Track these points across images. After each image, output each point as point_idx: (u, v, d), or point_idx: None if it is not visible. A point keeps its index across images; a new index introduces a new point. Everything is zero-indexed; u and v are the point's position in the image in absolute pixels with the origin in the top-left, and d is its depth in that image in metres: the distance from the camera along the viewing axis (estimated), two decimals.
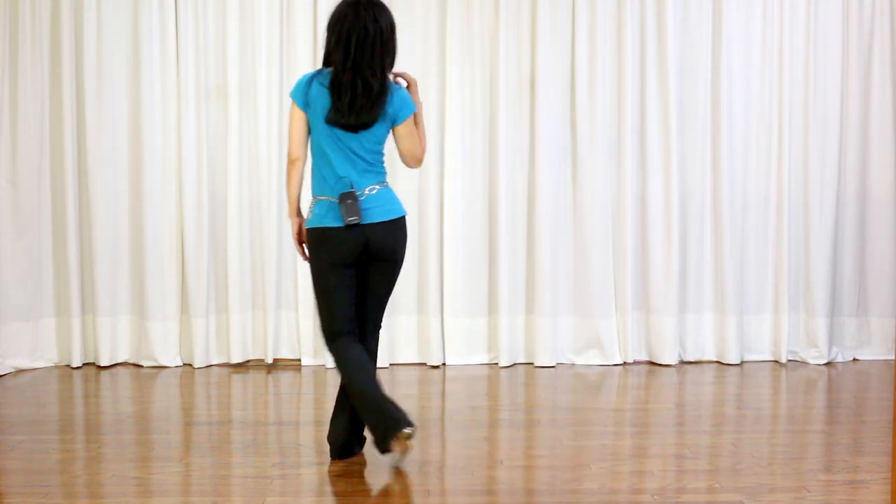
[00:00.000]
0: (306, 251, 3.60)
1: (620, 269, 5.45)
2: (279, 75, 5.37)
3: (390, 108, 3.52)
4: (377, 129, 3.52)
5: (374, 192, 3.53)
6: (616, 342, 5.47)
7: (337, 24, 3.54)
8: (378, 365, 5.40)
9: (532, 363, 5.45)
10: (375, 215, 3.50)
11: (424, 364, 5.47)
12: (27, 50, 5.30)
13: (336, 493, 3.30)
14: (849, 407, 4.55)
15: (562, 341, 5.48)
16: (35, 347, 5.39)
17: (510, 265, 5.41)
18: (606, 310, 5.45)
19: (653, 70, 5.40)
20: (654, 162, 5.41)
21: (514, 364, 5.47)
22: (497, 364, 5.44)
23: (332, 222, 3.49)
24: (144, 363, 5.43)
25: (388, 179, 3.64)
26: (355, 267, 3.57)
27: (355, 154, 3.51)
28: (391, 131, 3.58)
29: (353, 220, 3.44)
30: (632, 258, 5.44)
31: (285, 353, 5.53)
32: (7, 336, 5.29)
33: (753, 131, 5.46)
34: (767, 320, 5.52)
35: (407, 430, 3.34)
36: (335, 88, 3.50)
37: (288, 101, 5.35)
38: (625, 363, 5.47)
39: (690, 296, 5.49)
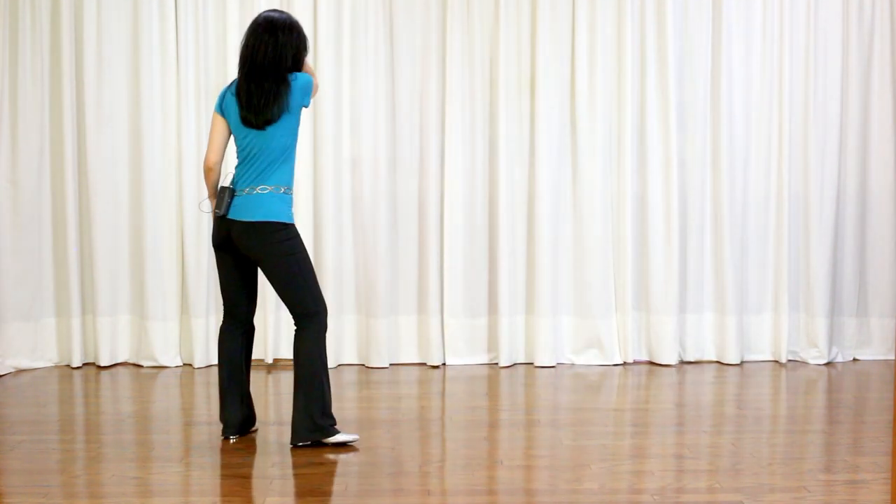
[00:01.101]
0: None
1: (620, 269, 5.45)
2: None
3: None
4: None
5: (256, 192, 3.79)
6: (616, 342, 5.47)
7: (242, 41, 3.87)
8: (378, 365, 5.45)
9: (532, 363, 5.45)
10: (239, 213, 3.78)
11: (424, 364, 5.47)
12: (27, 50, 5.30)
13: (336, 493, 3.30)
14: (849, 407, 4.55)
15: (562, 341, 5.48)
16: (35, 347, 5.39)
17: (510, 265, 5.41)
18: (606, 310, 5.45)
19: (653, 70, 5.40)
20: (654, 162, 5.41)
21: (514, 364, 5.47)
22: (497, 364, 5.44)
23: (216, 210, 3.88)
24: (144, 363, 5.43)
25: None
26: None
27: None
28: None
29: (218, 212, 3.80)
30: (632, 258, 5.44)
31: (285, 353, 5.52)
32: (7, 336, 5.29)
33: (753, 131, 5.46)
34: (767, 320, 5.52)
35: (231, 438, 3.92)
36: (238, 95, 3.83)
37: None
38: (625, 363, 5.47)
39: (690, 296, 5.49)
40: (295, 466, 3.60)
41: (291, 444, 3.80)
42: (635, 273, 5.47)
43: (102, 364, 5.38)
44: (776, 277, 5.49)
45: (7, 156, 5.31)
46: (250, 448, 3.85)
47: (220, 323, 3.99)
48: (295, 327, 3.85)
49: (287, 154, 3.82)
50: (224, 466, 3.61)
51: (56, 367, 5.42)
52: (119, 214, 5.39)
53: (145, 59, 5.32)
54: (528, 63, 5.43)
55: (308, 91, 3.82)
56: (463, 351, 5.49)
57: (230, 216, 3.78)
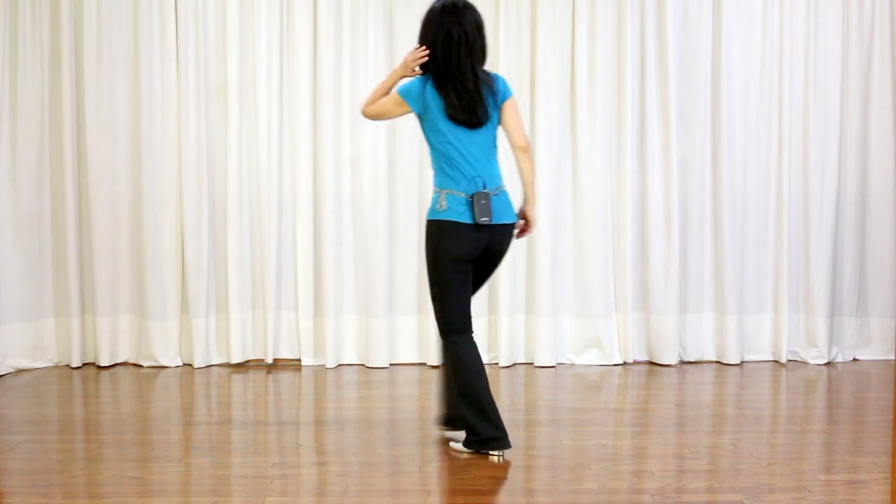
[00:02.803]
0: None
1: (620, 269, 5.45)
2: (279, 75, 5.37)
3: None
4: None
5: (497, 193, 3.69)
6: (616, 342, 5.47)
7: (430, 32, 3.69)
8: (378, 365, 5.45)
9: (532, 363, 5.45)
10: (499, 217, 3.67)
11: (424, 364, 5.47)
12: (27, 50, 5.30)
13: (336, 493, 3.30)
14: (849, 407, 4.55)
15: (562, 341, 5.48)
16: (35, 347, 5.39)
17: (510, 265, 5.40)
18: (606, 310, 5.45)
19: (653, 70, 5.40)
20: (654, 162, 5.41)
21: (514, 364, 5.47)
22: (497, 364, 5.44)
23: (465, 218, 3.62)
24: (144, 363, 5.43)
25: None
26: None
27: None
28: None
29: (484, 220, 3.60)
30: (632, 258, 5.44)
31: (285, 353, 5.53)
32: (7, 336, 5.29)
33: (753, 131, 5.46)
34: (767, 320, 5.52)
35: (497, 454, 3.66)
36: (442, 92, 3.66)
37: (287, 101, 5.40)
38: (625, 363, 5.47)
39: (690, 296, 5.49)
40: (295, 466, 3.60)
41: (499, 452, 3.67)
42: (635, 273, 5.47)
43: (102, 364, 5.38)
44: (776, 277, 5.49)
45: (7, 156, 5.31)
46: (250, 448, 3.85)
47: (447, 341, 3.71)
48: (469, 332, 3.72)
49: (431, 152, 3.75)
50: (224, 466, 3.61)
51: (56, 367, 5.42)
52: (119, 214, 5.40)
53: (145, 59, 5.32)
54: (528, 63, 5.43)
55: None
56: None
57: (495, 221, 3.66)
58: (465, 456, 3.70)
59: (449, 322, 3.70)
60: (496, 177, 3.71)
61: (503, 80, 3.80)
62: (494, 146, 3.73)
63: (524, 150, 3.72)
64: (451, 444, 3.80)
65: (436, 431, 4.05)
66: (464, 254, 3.63)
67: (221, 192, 5.41)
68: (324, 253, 5.40)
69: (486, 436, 3.64)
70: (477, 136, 3.66)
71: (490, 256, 3.72)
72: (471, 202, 3.60)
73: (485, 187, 3.63)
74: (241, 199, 5.40)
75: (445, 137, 3.64)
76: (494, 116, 3.70)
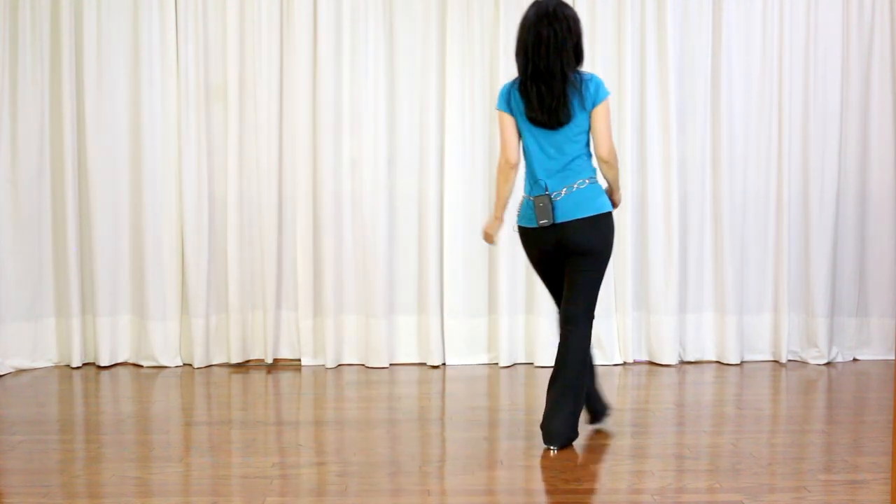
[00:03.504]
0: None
1: (620, 269, 5.45)
2: (279, 75, 5.37)
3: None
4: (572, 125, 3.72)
5: (573, 190, 3.72)
6: (616, 342, 5.47)
7: (520, 34, 3.75)
8: (378, 365, 5.44)
9: (532, 363, 5.45)
10: (567, 214, 3.71)
11: (424, 364, 5.47)
12: (27, 50, 5.30)
13: (336, 493, 3.30)
14: (849, 407, 4.55)
15: None
16: (35, 347, 5.39)
17: (510, 265, 5.40)
18: (606, 310, 5.44)
19: (653, 70, 5.40)
20: (654, 162, 5.41)
21: (514, 364, 5.47)
22: (497, 364, 5.44)
23: (530, 223, 3.78)
24: (144, 363, 5.43)
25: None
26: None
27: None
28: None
29: (544, 222, 3.70)
30: (632, 258, 5.44)
31: (285, 353, 5.53)
32: (7, 336, 5.29)
33: (753, 131, 5.46)
34: (767, 320, 5.52)
35: (551, 448, 3.75)
36: (524, 93, 3.73)
37: (287, 101, 5.40)
38: (625, 363, 5.47)
39: (690, 296, 5.49)
40: (295, 466, 3.60)
41: (549, 444, 3.76)
42: (635, 273, 5.47)
43: (102, 364, 5.38)
44: (776, 277, 5.49)
45: (7, 156, 5.31)
46: (250, 448, 3.85)
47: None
48: (566, 325, 3.77)
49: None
50: (224, 466, 3.61)
51: (56, 367, 5.42)
52: (119, 214, 5.40)
53: (145, 60, 5.32)
54: None
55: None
56: (463, 351, 5.49)
57: (558, 220, 3.76)
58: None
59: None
60: (576, 173, 3.72)
61: (597, 83, 3.73)
62: (577, 145, 3.74)
63: (604, 162, 3.75)
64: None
65: (421, 433, 4.05)
66: (535, 256, 3.85)
67: (221, 192, 5.41)
68: (324, 253, 5.40)
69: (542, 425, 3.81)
70: (556, 137, 3.71)
71: (572, 252, 3.73)
72: (533, 205, 3.72)
73: (547, 189, 3.70)
74: (241, 199, 5.40)
75: (526, 139, 3.76)
76: (579, 118, 3.70)
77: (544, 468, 3.58)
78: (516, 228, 3.88)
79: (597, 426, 4.09)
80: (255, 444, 3.89)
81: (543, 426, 3.76)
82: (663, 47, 5.37)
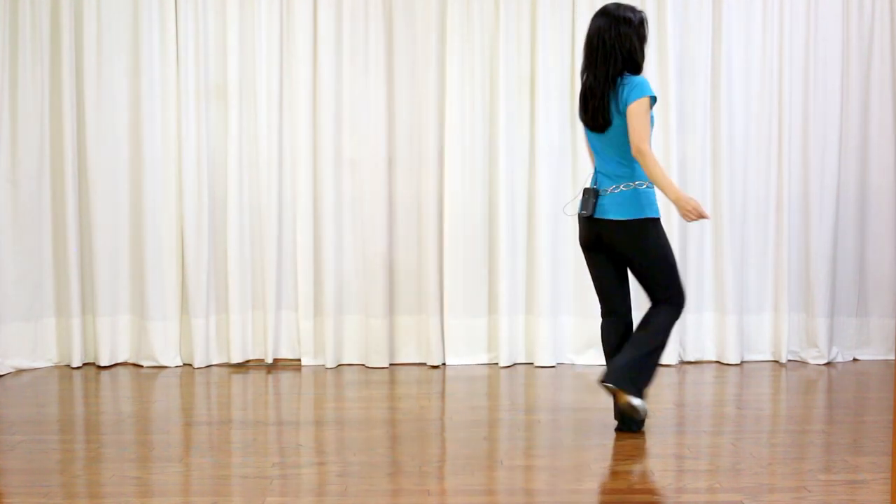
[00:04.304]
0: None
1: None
2: (279, 75, 5.37)
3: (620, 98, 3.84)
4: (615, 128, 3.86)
5: (616, 192, 3.88)
6: None
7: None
8: (378, 365, 5.44)
9: (532, 363, 5.45)
10: (605, 212, 3.89)
11: (424, 364, 5.47)
12: (27, 50, 5.31)
13: (336, 493, 3.30)
14: (849, 407, 4.55)
15: (562, 341, 5.48)
16: (35, 347, 5.39)
17: (510, 265, 5.41)
18: None
19: (653, 70, 5.40)
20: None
21: (514, 364, 5.47)
22: (497, 364, 5.44)
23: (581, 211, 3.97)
24: (144, 363, 5.43)
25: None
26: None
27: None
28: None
29: (583, 213, 3.93)
30: None
31: (285, 353, 5.53)
32: (7, 336, 5.29)
33: (753, 131, 5.46)
34: (767, 320, 5.52)
35: (607, 384, 3.86)
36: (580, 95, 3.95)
37: (287, 101, 5.40)
38: None
39: (691, 296, 5.49)
40: (295, 466, 3.60)
41: (600, 381, 3.90)
42: None
43: (102, 364, 5.38)
44: (776, 277, 5.49)
45: (7, 156, 5.31)
46: (250, 448, 3.85)
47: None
48: (653, 305, 3.99)
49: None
50: (224, 466, 3.61)
51: (56, 367, 5.42)
52: (119, 214, 5.40)
53: (145, 59, 5.32)
54: (528, 63, 5.43)
55: None
56: (463, 351, 5.49)
57: (598, 215, 3.95)
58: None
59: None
60: (620, 176, 3.87)
61: (634, 84, 3.80)
62: (621, 148, 3.86)
63: (638, 154, 3.79)
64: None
65: (421, 433, 4.05)
66: (582, 242, 4.03)
67: (221, 192, 5.42)
68: (324, 253, 5.40)
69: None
70: (603, 139, 3.89)
71: (615, 251, 3.95)
72: (582, 194, 3.97)
73: (597, 184, 3.91)
74: (241, 199, 5.40)
75: (586, 137, 4.02)
76: (617, 122, 3.83)
77: (544, 468, 3.58)
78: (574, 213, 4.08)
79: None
80: (255, 444, 3.89)
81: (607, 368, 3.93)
82: (663, 47, 5.37)
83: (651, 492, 3.30)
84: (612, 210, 3.86)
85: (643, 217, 3.84)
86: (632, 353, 3.88)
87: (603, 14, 3.87)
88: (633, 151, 3.78)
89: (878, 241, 5.53)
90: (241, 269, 5.41)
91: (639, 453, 3.77)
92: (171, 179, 5.37)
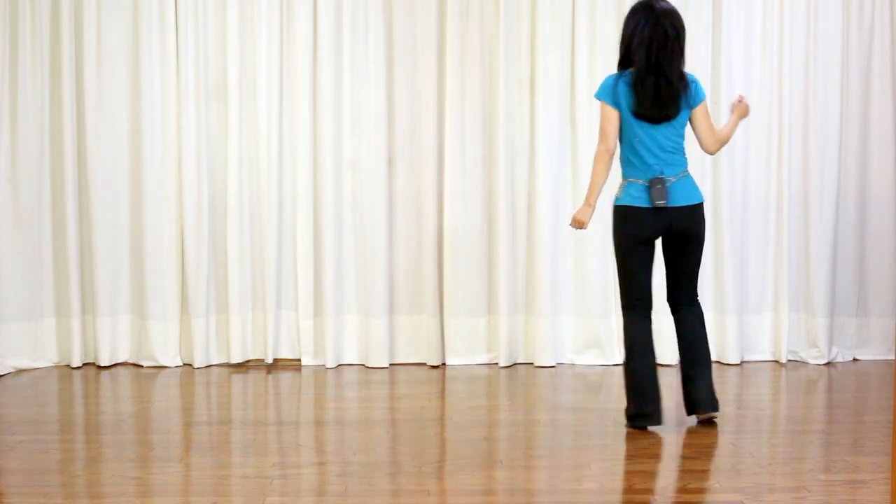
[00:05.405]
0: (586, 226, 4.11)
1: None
2: (279, 75, 5.37)
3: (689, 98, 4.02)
4: (678, 120, 4.01)
5: (680, 178, 4.01)
6: (616, 342, 5.47)
7: (638, 29, 3.98)
8: (378, 365, 5.44)
9: (532, 363, 5.45)
10: (679, 199, 3.98)
11: (424, 364, 5.47)
12: (27, 50, 5.30)
13: (336, 493, 3.30)
14: (849, 407, 4.55)
15: (562, 341, 5.48)
16: (35, 347, 5.39)
17: (510, 265, 5.40)
18: (606, 310, 5.45)
19: None
20: None
21: (514, 364, 5.47)
22: (497, 364, 5.44)
23: (642, 203, 3.95)
24: (144, 363, 5.43)
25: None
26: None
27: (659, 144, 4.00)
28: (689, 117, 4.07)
29: (660, 203, 3.93)
30: None
31: (285, 353, 5.53)
32: (7, 336, 5.29)
33: (753, 131, 5.46)
34: (767, 320, 5.52)
35: (711, 413, 4.05)
36: (638, 87, 3.95)
37: (287, 101, 5.40)
38: None
39: None
40: (295, 466, 3.60)
41: (703, 412, 4.04)
42: None
43: (102, 364, 5.38)
44: (776, 277, 5.49)
45: (7, 156, 5.31)
46: (250, 448, 3.85)
47: (623, 318, 4.10)
48: (682, 307, 4.14)
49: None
50: (224, 466, 3.61)
51: (56, 367, 5.42)
52: (119, 214, 5.40)
53: (145, 59, 5.32)
54: (527, 63, 5.42)
55: None
56: (463, 351, 5.49)
57: (670, 203, 3.99)
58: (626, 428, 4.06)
59: (624, 301, 4.09)
60: (679, 164, 4.02)
61: (697, 83, 4.07)
62: (679, 139, 4.04)
63: (714, 150, 4.16)
64: None
65: (421, 433, 4.06)
66: (641, 236, 3.99)
67: (221, 192, 5.41)
68: (324, 253, 5.40)
69: (631, 412, 4.05)
70: (662, 129, 3.97)
71: (678, 238, 4.02)
72: (648, 187, 3.94)
73: (663, 174, 3.95)
74: (241, 199, 5.40)
75: (633, 131, 3.97)
76: (683, 115, 4.02)
77: (544, 468, 3.58)
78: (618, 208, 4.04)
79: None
80: (255, 444, 3.89)
81: (690, 398, 4.05)
82: None
83: (651, 492, 3.30)
84: (686, 196, 4.00)
85: (704, 201, 4.10)
86: (709, 373, 4.08)
87: (674, 13, 3.98)
88: (715, 148, 4.11)
89: (878, 241, 5.53)
90: (241, 269, 5.41)
91: (639, 453, 3.76)
92: (171, 179, 5.37)
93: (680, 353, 4.14)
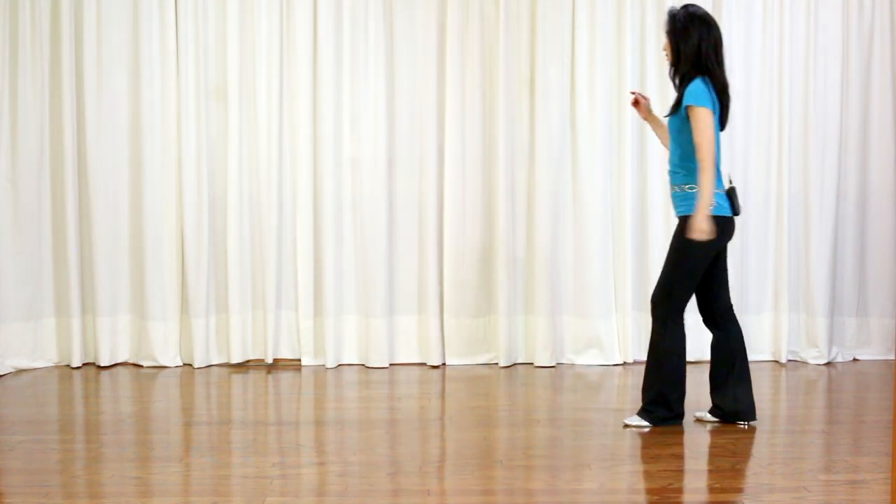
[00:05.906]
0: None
1: (620, 269, 5.45)
2: (279, 75, 5.37)
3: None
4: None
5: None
6: (616, 342, 5.47)
7: (712, 31, 3.98)
8: (378, 365, 5.44)
9: (532, 363, 5.45)
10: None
11: (424, 364, 5.47)
12: (27, 50, 5.30)
13: (336, 493, 3.30)
14: (849, 407, 4.55)
15: (562, 341, 5.48)
16: (35, 347, 5.39)
17: (510, 265, 5.40)
18: (606, 310, 5.45)
19: (653, 70, 5.40)
20: (654, 162, 5.41)
21: (514, 364, 5.47)
22: (497, 364, 5.44)
23: (728, 212, 3.99)
24: (144, 363, 5.43)
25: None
26: None
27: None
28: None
29: (740, 210, 4.05)
30: (632, 258, 5.44)
31: (285, 353, 5.53)
32: (7, 336, 5.29)
33: (753, 131, 5.46)
34: (767, 320, 5.52)
35: (752, 423, 4.12)
36: (723, 92, 3.99)
37: (287, 101, 5.40)
38: (625, 363, 5.47)
39: None
40: (295, 466, 3.60)
41: (745, 421, 4.13)
42: (635, 273, 5.47)
43: (102, 364, 5.38)
44: (776, 277, 5.49)
45: (7, 156, 5.31)
46: (250, 448, 3.85)
47: (668, 322, 4.06)
48: (727, 315, 4.15)
49: None
50: (224, 466, 3.61)
51: (56, 367, 5.42)
52: (119, 214, 5.40)
53: (145, 60, 5.32)
54: (527, 63, 5.43)
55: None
56: (463, 351, 5.49)
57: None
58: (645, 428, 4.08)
59: (679, 306, 4.07)
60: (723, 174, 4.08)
61: None
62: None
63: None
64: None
65: (421, 433, 4.05)
66: (724, 243, 4.02)
67: (221, 192, 5.41)
68: (324, 253, 5.40)
69: (663, 414, 4.10)
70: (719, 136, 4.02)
71: (725, 247, 4.10)
72: (727, 195, 3.98)
73: (731, 182, 4.08)
74: (241, 199, 5.40)
75: (718, 138, 3.97)
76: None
77: (544, 468, 3.58)
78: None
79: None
80: (255, 444, 3.89)
81: (738, 407, 4.09)
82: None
83: (651, 492, 3.30)
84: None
85: None
86: (749, 384, 4.15)
87: (714, 21, 3.99)
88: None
89: (878, 241, 5.53)
90: (241, 269, 5.41)
91: (639, 453, 3.77)
92: (171, 179, 5.37)
93: (724, 358, 4.17)
